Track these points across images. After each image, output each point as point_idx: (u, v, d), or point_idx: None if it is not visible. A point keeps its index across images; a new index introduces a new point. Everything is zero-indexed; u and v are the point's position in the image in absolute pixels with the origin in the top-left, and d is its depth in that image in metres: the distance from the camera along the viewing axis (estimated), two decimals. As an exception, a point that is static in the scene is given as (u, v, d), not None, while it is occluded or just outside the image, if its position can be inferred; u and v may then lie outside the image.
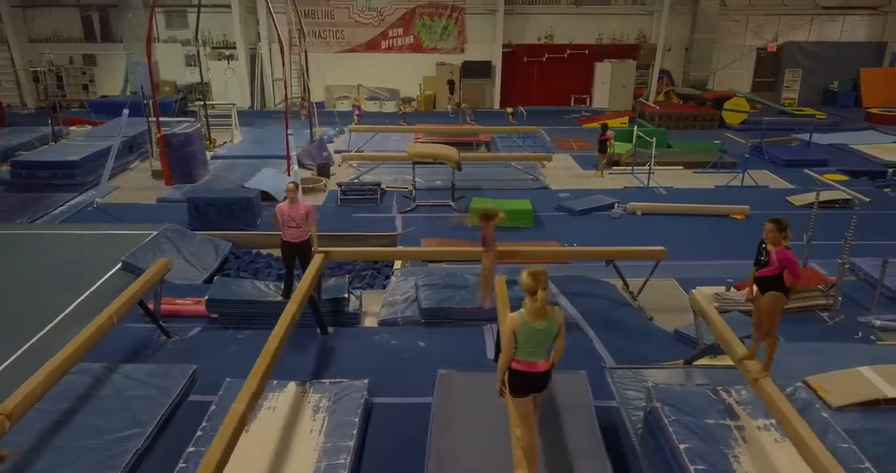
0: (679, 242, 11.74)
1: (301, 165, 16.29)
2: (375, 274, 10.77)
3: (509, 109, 22.70)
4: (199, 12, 18.85)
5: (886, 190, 15.10)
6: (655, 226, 12.46)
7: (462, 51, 25.19)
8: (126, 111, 14.32)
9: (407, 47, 25.17)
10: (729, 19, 25.16)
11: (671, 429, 5.35)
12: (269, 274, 10.66)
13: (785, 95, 25.77)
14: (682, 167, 16.43)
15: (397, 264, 10.48)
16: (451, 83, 24.08)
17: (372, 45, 25.12)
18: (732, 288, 9.15)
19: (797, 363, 7.45)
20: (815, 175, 10.45)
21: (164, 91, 25.17)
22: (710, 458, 5.04)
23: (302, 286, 6.93)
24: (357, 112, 21.69)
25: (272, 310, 7.75)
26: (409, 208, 13.29)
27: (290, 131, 13.93)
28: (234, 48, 24.77)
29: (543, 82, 25.69)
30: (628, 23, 25.25)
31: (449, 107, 24.12)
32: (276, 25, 14.75)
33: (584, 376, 6.35)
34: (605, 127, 16.30)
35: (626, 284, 9.13)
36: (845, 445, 5.21)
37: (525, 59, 25.39)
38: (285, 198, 8.07)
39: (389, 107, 24.96)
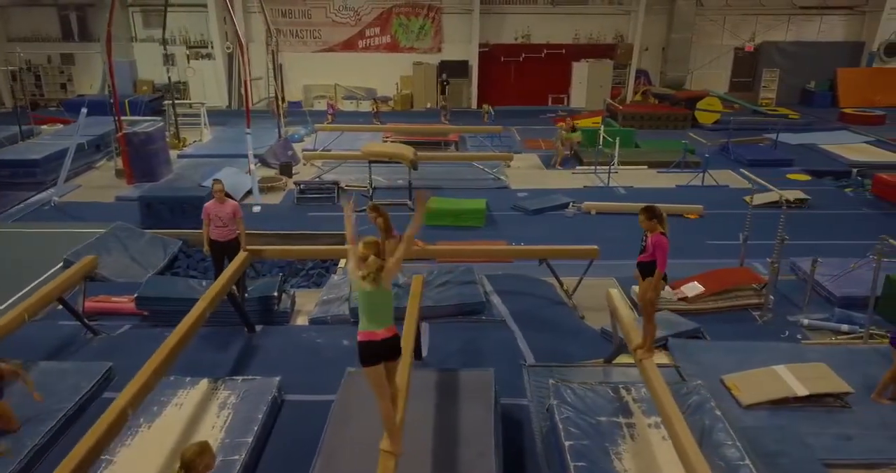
0: (628, 241, 11.70)
1: (265, 164, 16.37)
2: (324, 272, 10.82)
3: (486, 108, 22.73)
4: (165, 11, 18.86)
5: (847, 190, 15.13)
6: (607, 225, 12.48)
7: (439, 50, 25.23)
8: (84, 110, 14.35)
9: (384, 47, 25.20)
10: (706, 19, 25.18)
11: (560, 427, 5.40)
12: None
13: (763, 95, 25.76)
14: (646, 167, 16.45)
15: (342, 262, 10.52)
16: (443, 82, 24.04)
17: (349, 45, 25.15)
18: (667, 287, 9.17)
19: (719, 361, 7.50)
20: (752, 175, 10.49)
21: (143, 90, 25.26)
22: (593, 456, 5.08)
23: (216, 284, 6.97)
24: (330, 111, 21.72)
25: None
26: (365, 207, 13.29)
27: (248, 131, 13.93)
28: (211, 47, 24.79)
29: (521, 82, 25.72)
30: (605, 23, 25.28)
31: (430, 104, 24.13)
32: (235, 23, 14.70)
33: (491, 374, 6.39)
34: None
35: (560, 283, 9.17)
36: (729, 442, 5.24)
37: (502, 59, 25.42)
38: (213, 197, 8.11)
39: (366, 106, 24.92)
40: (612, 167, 15.11)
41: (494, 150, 17.35)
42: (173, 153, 17.23)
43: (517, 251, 9.50)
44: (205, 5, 23.71)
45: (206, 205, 8.01)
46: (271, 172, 15.71)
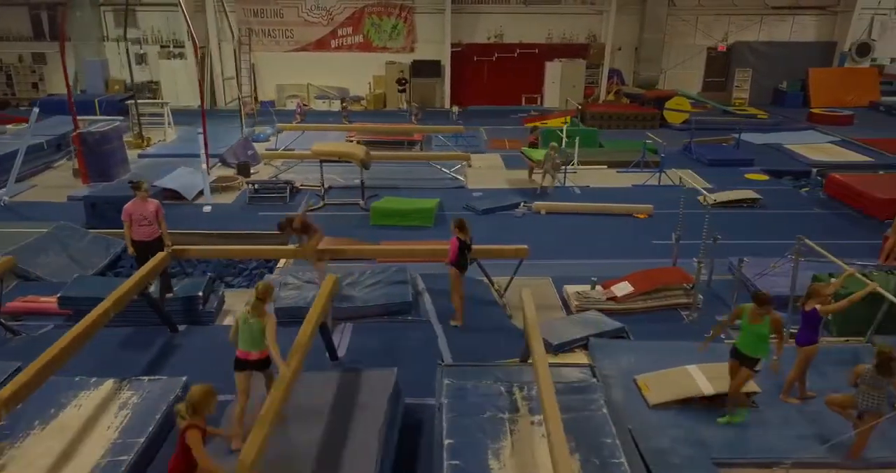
0: (573, 241, 11.85)
1: (226, 164, 16.33)
2: (266, 272, 10.79)
3: (455, 108, 22.75)
4: (126, 10, 18.82)
5: (804, 189, 15.17)
6: (554, 224, 12.53)
7: (412, 50, 25.21)
8: (36, 110, 14.30)
9: (357, 46, 25.18)
10: (678, 19, 25.21)
11: (444, 425, 5.41)
12: (182, 272, 10.65)
13: (736, 95, 25.81)
14: (606, 166, 16.47)
15: (281, 262, 10.52)
16: (401, 81, 24.11)
17: (321, 45, 25.12)
18: (598, 287, 9.19)
19: (637, 361, 7.53)
20: (685, 176, 10.47)
21: (115, 89, 25.19)
22: (470, 454, 5.08)
23: (127, 283, 6.95)
24: (299, 111, 21.69)
25: (128, 308, 7.80)
26: (317, 207, 13.32)
27: (199, 131, 13.92)
28: (183, 47, 24.73)
29: (494, 81, 25.72)
30: (578, 22, 25.29)
31: (402, 105, 24.12)
32: (188, 25, 14.66)
33: (393, 373, 6.38)
34: (534, 129, 16.30)
35: (490, 282, 9.16)
36: (608, 440, 5.25)
37: (475, 59, 25.42)
38: (134, 197, 8.08)
39: (339, 105, 24.91)
40: (566, 167, 15.08)
41: (457, 150, 17.32)
42: (134, 152, 17.23)
43: (444, 251, 9.45)
44: (175, 4, 23.58)
45: (127, 205, 7.99)
46: (230, 172, 15.67)
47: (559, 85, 25.20)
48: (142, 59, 25.14)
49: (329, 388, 6.07)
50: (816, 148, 18.91)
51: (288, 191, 13.69)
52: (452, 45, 24.80)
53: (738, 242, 10.94)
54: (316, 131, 18.92)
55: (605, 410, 5.63)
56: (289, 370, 5.27)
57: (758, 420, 6.46)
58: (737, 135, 18.32)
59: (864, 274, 7.55)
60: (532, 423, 5.46)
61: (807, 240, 7.45)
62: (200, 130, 14.14)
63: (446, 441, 5.18)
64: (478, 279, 9.58)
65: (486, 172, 16.38)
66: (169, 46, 25.30)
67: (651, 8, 24.45)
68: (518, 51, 25.39)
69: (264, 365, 5.60)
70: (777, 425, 6.31)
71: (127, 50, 19.54)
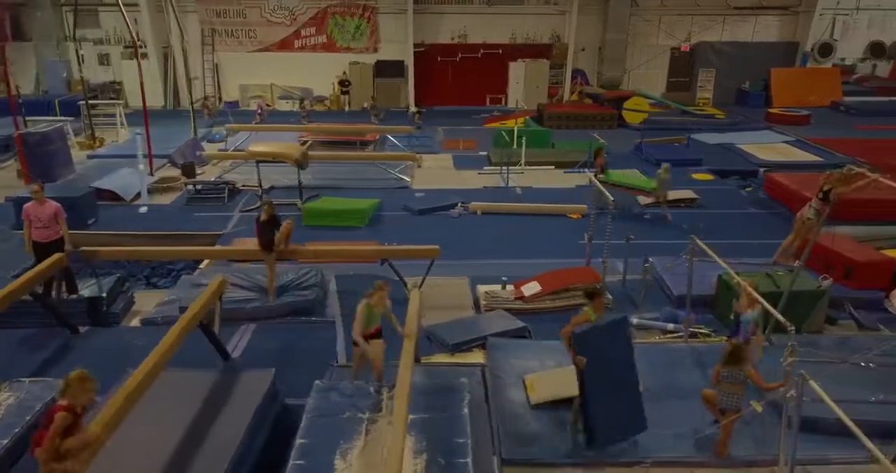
0: (502, 241, 11.88)
1: (174, 164, 16.32)
2: (190, 272, 10.80)
3: (414, 109, 22.81)
4: (76, 10, 18.77)
5: (747, 189, 15.25)
6: (488, 225, 12.57)
7: (375, 50, 25.23)
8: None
9: (320, 47, 25.17)
10: (641, 19, 25.30)
11: (302, 425, 5.44)
12: (93, 273, 10.63)
13: (700, 95, 25.95)
14: (553, 167, 16.52)
15: (204, 263, 10.52)
16: (343, 83, 24.16)
17: (285, 45, 25.10)
18: (509, 287, 9.24)
19: (532, 360, 7.56)
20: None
21: (77, 89, 25.09)
22: (317, 453, 5.11)
23: (13, 284, 6.94)
24: (259, 111, 21.68)
25: (31, 308, 7.82)
26: (252, 207, 13.32)
27: (138, 132, 13.93)
28: (145, 47, 24.64)
29: (458, 82, 25.76)
30: (541, 23, 25.36)
31: (350, 107, 24.13)
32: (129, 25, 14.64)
33: (271, 374, 6.38)
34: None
35: (403, 283, 9.17)
36: (461, 440, 5.28)
37: (439, 59, 25.45)
38: (33, 199, 8.08)
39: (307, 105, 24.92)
40: (507, 168, 15.13)
41: (407, 151, 17.34)
42: (83, 153, 17.20)
43: (358, 251, 9.51)
44: (137, 4, 23.53)
45: (26, 206, 7.99)
46: (176, 172, 15.65)
47: (523, 85, 25.27)
48: (104, 59, 25.10)
49: (201, 388, 6.07)
50: (769, 148, 19.01)
51: (226, 192, 13.68)
52: (416, 46, 24.82)
53: (667, 242, 11.00)
54: (269, 131, 18.93)
55: (466, 410, 5.66)
56: (137, 376, 5.25)
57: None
58: (688, 135, 18.37)
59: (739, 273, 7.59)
60: (390, 423, 5.48)
61: (697, 241, 7.49)
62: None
63: (298, 441, 5.20)
64: (395, 279, 9.65)
65: (436, 173, 16.43)
66: (132, 46, 25.18)
67: (614, 8, 24.53)
68: (482, 51, 25.43)
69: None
70: (656, 425, 6.34)
71: (77, 51, 19.38)
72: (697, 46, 25.78)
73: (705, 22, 25.60)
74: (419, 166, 16.71)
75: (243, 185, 14.44)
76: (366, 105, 22.85)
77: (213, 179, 14.70)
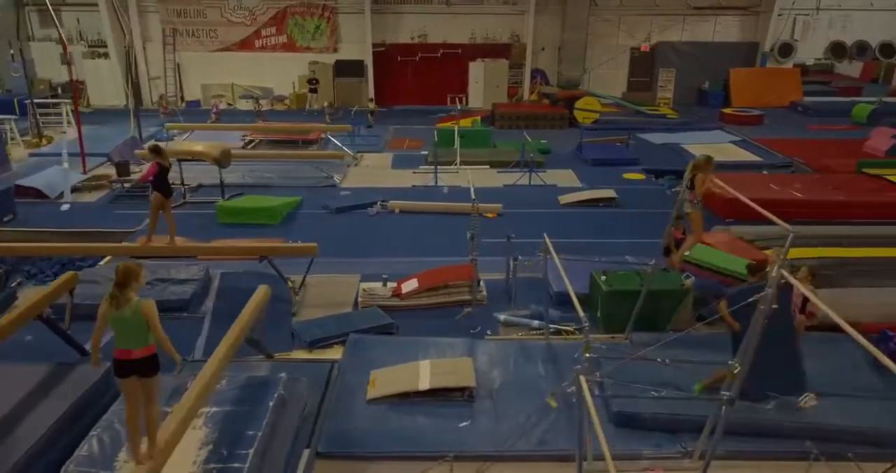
0: (411, 239, 11.98)
1: (112, 162, 16.47)
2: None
3: (371, 106, 22.97)
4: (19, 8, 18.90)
5: (675, 189, 15.30)
6: (403, 223, 12.68)
7: (335, 50, 25.35)
8: None
9: (281, 46, 25.30)
10: (600, 19, 25.36)
11: (104, 417, 5.57)
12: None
13: (661, 95, 26.00)
14: (488, 166, 16.61)
15: (105, 259, 10.66)
16: (311, 81, 24.30)
17: (246, 45, 25.24)
18: (392, 284, 9.34)
19: (387, 356, 7.62)
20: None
21: (40, 88, 25.31)
22: (104, 445, 5.23)
23: None
24: (214, 110, 21.86)
25: None
26: (175, 204, 13.44)
27: (64, 131, 14.04)
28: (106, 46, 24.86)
29: (419, 81, 25.86)
30: (501, 22, 25.43)
31: (316, 106, 24.25)
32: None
33: (104, 368, 6.50)
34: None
35: (284, 280, 9.28)
36: (252, 432, 5.40)
37: (399, 59, 25.55)
38: None
39: (266, 105, 25.07)
40: (436, 167, 15.23)
41: (347, 150, 17.45)
42: (24, 151, 17.40)
43: (235, 249, 9.61)
44: (96, 4, 23.71)
45: None
46: (113, 171, 15.80)
47: (483, 85, 25.35)
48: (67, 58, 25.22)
49: (23, 381, 6.19)
50: (714, 148, 18.99)
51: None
52: (376, 45, 24.93)
53: (574, 241, 11.09)
54: (217, 131, 19.11)
55: (270, 404, 5.77)
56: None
57: (467, 414, 6.61)
58: (629, 135, 18.44)
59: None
60: (199, 415, 5.61)
61: (547, 239, 7.58)
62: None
63: (91, 433, 5.33)
64: (286, 276, 9.76)
65: (372, 171, 16.55)
66: (94, 46, 25.41)
67: (572, 8, 24.60)
68: (442, 51, 25.52)
69: (150, 366, 4.71)
70: (488, 419, 6.45)
71: (21, 51, 19.51)
72: (657, 46, 25.83)
73: (665, 22, 25.64)
74: (356, 164, 16.84)
75: (173, 183, 14.50)
76: (325, 104, 22.99)
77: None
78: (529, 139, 16.36)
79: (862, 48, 26.56)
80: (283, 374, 6.35)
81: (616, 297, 8.28)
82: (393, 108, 25.12)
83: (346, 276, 9.96)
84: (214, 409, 5.68)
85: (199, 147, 13.43)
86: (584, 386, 4.93)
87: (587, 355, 5.70)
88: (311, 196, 14.05)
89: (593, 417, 4.76)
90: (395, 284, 9.31)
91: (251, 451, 5.16)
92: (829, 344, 7.44)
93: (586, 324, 5.65)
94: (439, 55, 25.57)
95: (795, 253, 9.18)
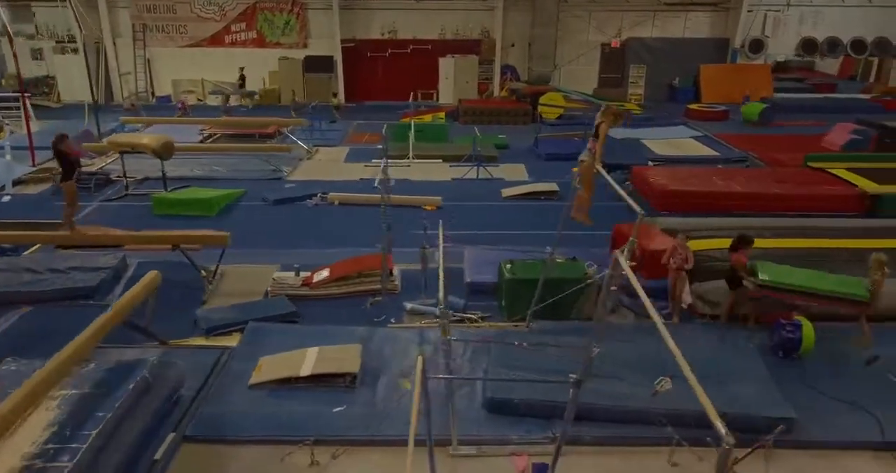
0: (343, 229, 11.98)
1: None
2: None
3: (335, 102, 23.02)
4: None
5: (626, 183, 15.27)
6: (339, 215, 12.72)
7: (305, 45, 25.38)
8: None
9: (251, 42, 25.35)
10: (571, 15, 25.36)
11: None
12: None
13: (632, 91, 25.98)
14: (440, 160, 16.61)
15: (30, 249, 10.68)
16: (241, 78, 24.35)
17: (216, 40, 25.29)
18: (304, 273, 9.35)
19: (282, 344, 7.58)
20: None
21: (9, 84, 25.37)
22: None
23: None
24: (180, 106, 21.90)
25: None
26: (116, 196, 13.51)
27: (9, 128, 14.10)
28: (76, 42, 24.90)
29: (388, 77, 25.87)
30: (470, 18, 25.45)
31: (245, 101, 24.34)
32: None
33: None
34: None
35: (197, 269, 9.28)
36: (102, 413, 5.40)
37: (369, 54, 25.57)
38: None
39: (235, 101, 25.10)
40: (385, 160, 15.17)
41: (299, 143, 17.46)
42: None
43: (148, 237, 9.62)
44: (64, -1, 23.74)
45: None
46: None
47: (453, 81, 25.36)
48: (37, 54, 25.34)
49: None
50: (673, 143, 19.08)
51: (93, 182, 13.87)
52: (346, 41, 24.96)
53: (502, 233, 11.13)
54: (177, 124, 19.13)
55: (131, 386, 5.77)
56: None
57: (345, 400, 6.61)
58: (585, 131, 18.38)
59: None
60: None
61: (440, 227, 7.55)
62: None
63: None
64: (205, 266, 9.78)
65: (323, 165, 16.60)
66: (64, 41, 25.46)
67: (541, 3, 24.58)
68: (411, 47, 25.55)
69: None
70: (363, 405, 6.46)
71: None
72: (628, 42, 25.81)
73: (636, 17, 25.63)
74: (310, 158, 16.87)
75: (117, 176, 14.59)
76: (296, 99, 23.04)
77: (89, 171, 14.85)
78: (479, 134, 16.23)
79: (833, 44, 26.51)
80: (152, 358, 6.34)
81: (518, 285, 8.26)
82: (363, 104, 25.13)
83: (262, 266, 9.95)
84: (72, 391, 5.68)
85: (143, 139, 13.43)
86: (420, 367, 4.93)
87: (445, 338, 5.72)
88: (256, 188, 14.07)
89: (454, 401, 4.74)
90: (308, 274, 9.31)
91: (94, 433, 5.15)
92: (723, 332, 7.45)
93: (443, 307, 5.65)
94: (409, 51, 25.59)
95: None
